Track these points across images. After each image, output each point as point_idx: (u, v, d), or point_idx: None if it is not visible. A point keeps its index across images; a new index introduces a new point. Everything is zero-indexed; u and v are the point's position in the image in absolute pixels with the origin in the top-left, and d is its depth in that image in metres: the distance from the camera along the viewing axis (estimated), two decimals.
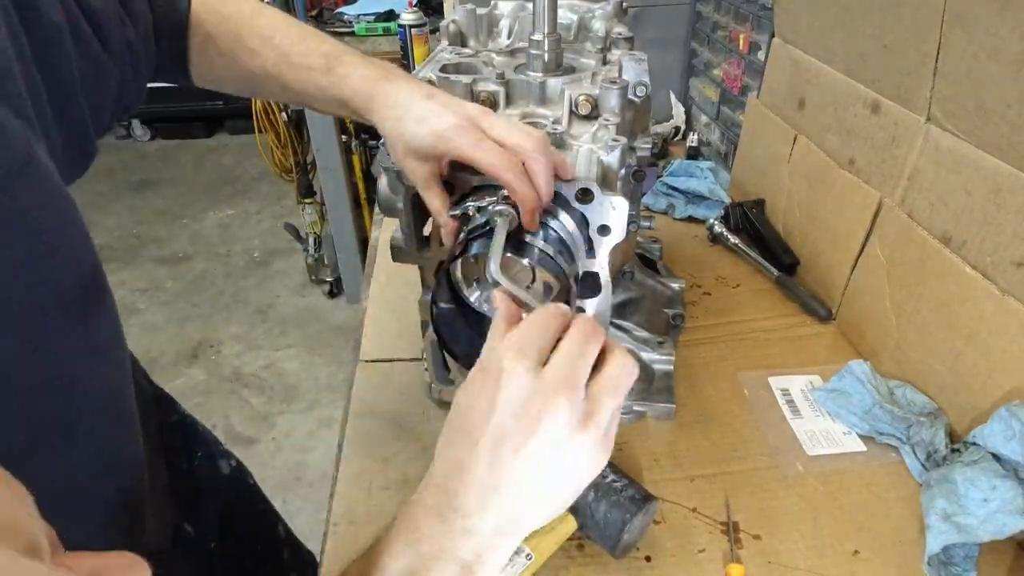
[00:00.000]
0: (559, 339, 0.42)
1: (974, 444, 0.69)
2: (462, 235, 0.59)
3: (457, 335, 0.65)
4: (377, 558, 0.39)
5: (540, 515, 0.40)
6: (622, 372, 0.41)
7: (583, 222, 0.60)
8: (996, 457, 0.67)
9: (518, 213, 0.55)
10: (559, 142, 0.65)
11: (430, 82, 0.71)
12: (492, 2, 0.87)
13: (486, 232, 0.56)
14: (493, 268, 0.49)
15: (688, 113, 1.64)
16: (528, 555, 0.63)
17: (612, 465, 0.69)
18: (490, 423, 0.38)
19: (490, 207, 0.57)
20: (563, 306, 0.44)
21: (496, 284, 0.59)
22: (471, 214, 0.58)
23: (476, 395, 0.40)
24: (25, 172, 0.38)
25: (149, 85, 0.61)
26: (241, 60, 0.62)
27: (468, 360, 0.74)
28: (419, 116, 0.55)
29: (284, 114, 2.52)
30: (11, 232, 0.37)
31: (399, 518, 0.41)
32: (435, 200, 0.59)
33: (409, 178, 0.60)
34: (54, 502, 0.31)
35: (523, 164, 0.54)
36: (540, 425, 0.38)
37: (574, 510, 0.67)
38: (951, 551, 0.64)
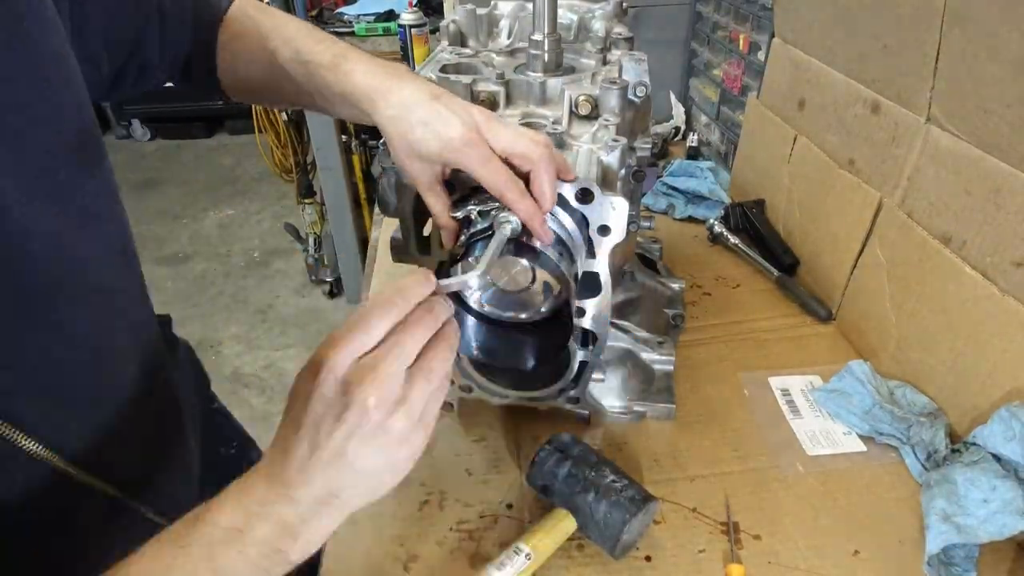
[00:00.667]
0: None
1: (974, 444, 0.69)
2: (463, 237, 0.59)
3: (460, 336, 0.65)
4: (206, 512, 0.42)
5: (362, 493, 0.44)
6: (435, 358, 0.44)
7: (583, 222, 0.60)
8: (996, 457, 0.67)
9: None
10: (559, 142, 0.65)
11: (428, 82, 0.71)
12: (492, 2, 0.87)
13: (488, 236, 0.56)
14: (476, 275, 0.50)
15: (688, 113, 1.64)
16: (528, 555, 0.63)
17: (612, 465, 0.69)
18: (308, 412, 0.42)
19: (493, 212, 0.57)
20: (407, 290, 0.46)
21: (492, 285, 0.59)
22: (473, 217, 0.58)
23: (301, 384, 0.43)
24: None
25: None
26: (262, 58, 0.65)
27: (470, 360, 0.74)
28: (424, 119, 0.55)
29: (284, 114, 2.52)
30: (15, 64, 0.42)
31: (238, 480, 0.44)
32: (437, 202, 0.59)
33: (410, 179, 0.60)
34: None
35: (527, 175, 0.54)
36: (346, 417, 0.41)
37: (574, 510, 0.67)
38: (951, 551, 0.64)
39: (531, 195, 0.54)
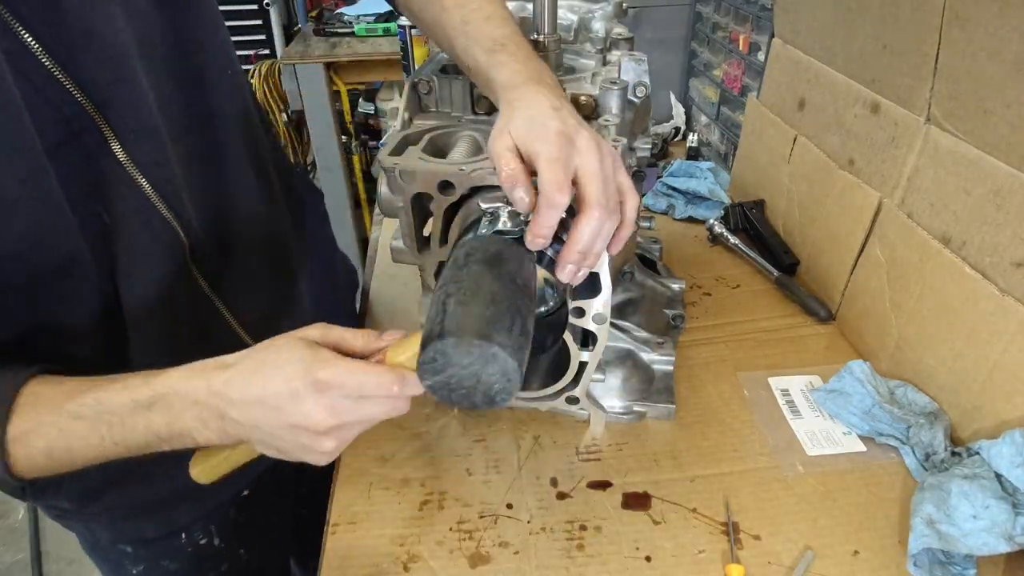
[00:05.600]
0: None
1: (977, 454, 0.68)
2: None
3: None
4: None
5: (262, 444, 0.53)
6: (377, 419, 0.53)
7: None
8: (998, 476, 0.66)
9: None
10: None
11: (428, 82, 0.71)
12: None
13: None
14: None
15: (688, 113, 1.64)
16: None
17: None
18: (283, 392, 0.50)
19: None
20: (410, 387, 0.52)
21: None
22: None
23: (297, 365, 0.51)
24: None
25: None
26: (431, 9, 0.69)
27: None
28: (533, 115, 0.55)
29: (284, 115, 2.52)
30: None
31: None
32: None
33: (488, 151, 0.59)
34: None
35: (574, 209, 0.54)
36: (301, 423, 0.50)
37: None
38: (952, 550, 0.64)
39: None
